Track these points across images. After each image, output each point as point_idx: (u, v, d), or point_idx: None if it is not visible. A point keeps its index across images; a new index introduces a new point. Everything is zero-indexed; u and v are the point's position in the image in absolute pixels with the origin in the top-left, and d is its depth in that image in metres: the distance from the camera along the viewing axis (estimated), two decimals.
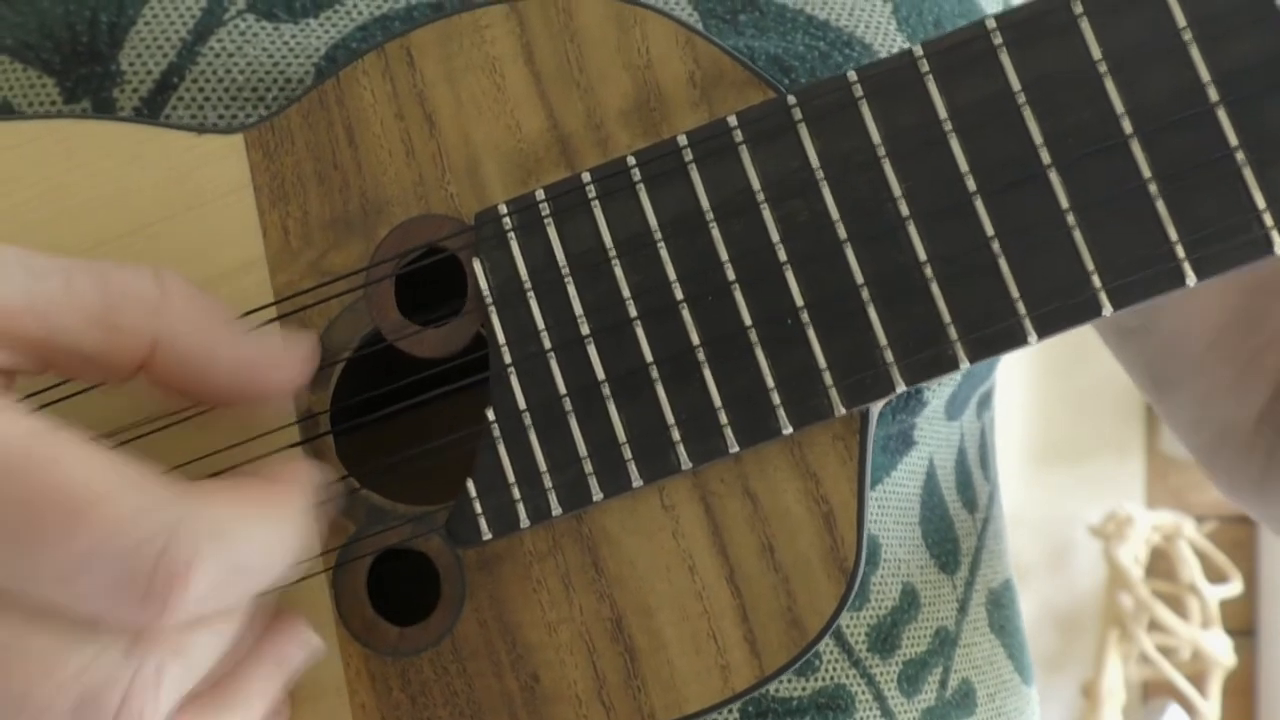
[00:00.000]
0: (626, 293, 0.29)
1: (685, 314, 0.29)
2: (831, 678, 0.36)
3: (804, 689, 0.35)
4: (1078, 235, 0.28)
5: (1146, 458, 1.52)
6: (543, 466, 0.30)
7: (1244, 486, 0.45)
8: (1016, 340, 0.28)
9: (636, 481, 0.29)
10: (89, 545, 0.23)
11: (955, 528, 0.41)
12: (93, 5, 0.35)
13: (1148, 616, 1.34)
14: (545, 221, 0.30)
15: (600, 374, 0.29)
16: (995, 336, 0.28)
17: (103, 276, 0.27)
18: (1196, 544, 1.41)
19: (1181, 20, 0.27)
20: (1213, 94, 0.27)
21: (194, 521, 0.24)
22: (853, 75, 0.29)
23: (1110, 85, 0.28)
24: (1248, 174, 0.27)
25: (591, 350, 0.30)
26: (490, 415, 0.30)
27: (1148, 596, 1.33)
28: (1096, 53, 0.28)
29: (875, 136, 0.29)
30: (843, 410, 0.29)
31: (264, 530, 0.26)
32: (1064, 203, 0.28)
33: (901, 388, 0.28)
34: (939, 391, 0.40)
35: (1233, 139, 0.27)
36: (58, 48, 0.35)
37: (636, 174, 0.30)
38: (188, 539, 0.23)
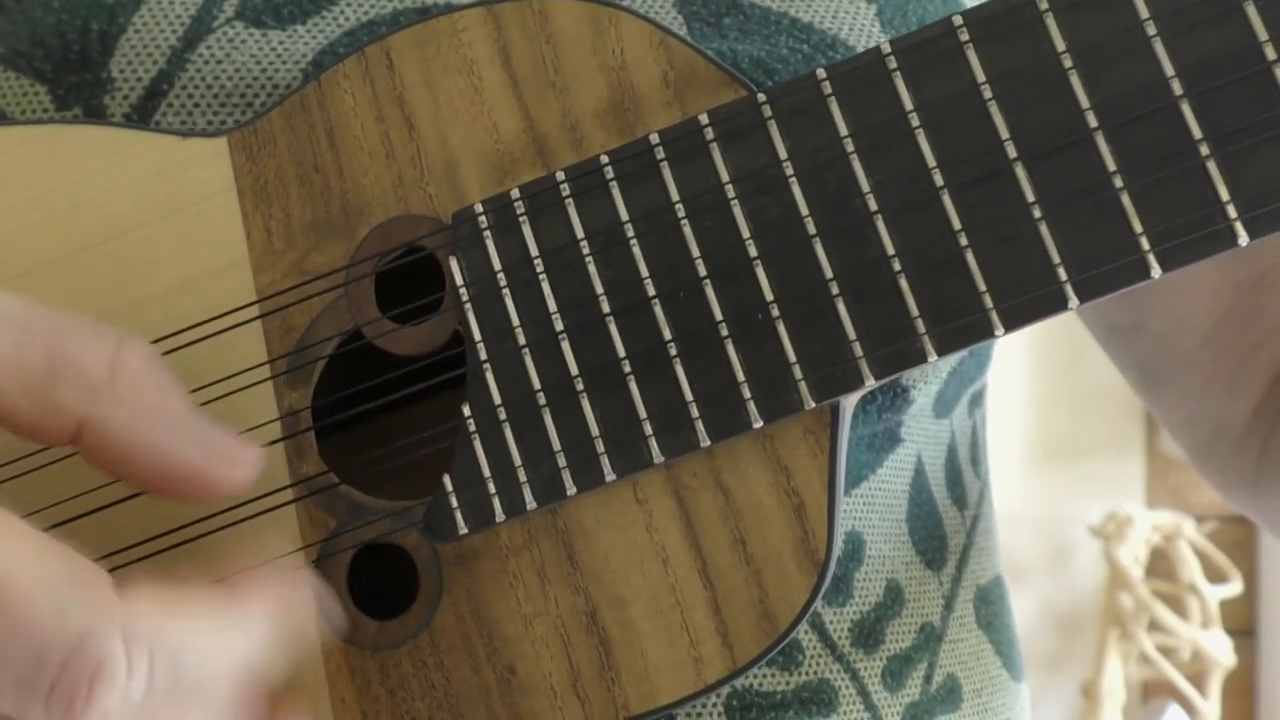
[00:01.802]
0: (600, 289, 0.30)
1: (657, 310, 0.30)
2: (815, 672, 0.36)
3: (788, 683, 0.35)
4: (1044, 229, 0.28)
5: (1146, 458, 1.52)
6: (517, 461, 0.30)
7: (1237, 484, 0.45)
8: (984, 332, 0.28)
9: (610, 475, 0.30)
10: (3, 644, 0.22)
11: (943, 525, 0.41)
12: (84, 14, 0.36)
13: (1148, 616, 1.33)
14: (520, 220, 0.31)
15: (574, 369, 0.30)
16: (963, 329, 0.28)
17: (56, 342, 0.26)
18: (1196, 544, 1.41)
19: (1145, 14, 0.28)
20: (1177, 87, 0.28)
21: (119, 626, 0.23)
22: (821, 73, 0.29)
23: (1075, 80, 0.28)
24: (1211, 167, 0.27)
25: (565, 346, 0.30)
26: (466, 411, 0.30)
27: (1148, 596, 1.33)
28: (1061, 48, 0.28)
29: (844, 133, 0.29)
30: (813, 404, 0.29)
31: (207, 642, 0.24)
32: (1030, 196, 0.28)
33: (871, 381, 0.29)
34: (925, 389, 0.40)
35: (1197, 132, 0.27)
36: (49, 56, 0.36)
37: (609, 172, 0.30)
38: (107, 645, 0.22)
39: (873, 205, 0.29)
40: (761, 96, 0.30)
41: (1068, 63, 0.28)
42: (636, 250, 0.30)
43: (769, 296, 0.29)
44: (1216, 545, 1.43)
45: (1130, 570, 1.35)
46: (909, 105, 0.29)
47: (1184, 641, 1.35)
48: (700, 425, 0.29)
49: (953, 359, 0.41)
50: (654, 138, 0.30)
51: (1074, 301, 0.28)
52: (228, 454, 0.27)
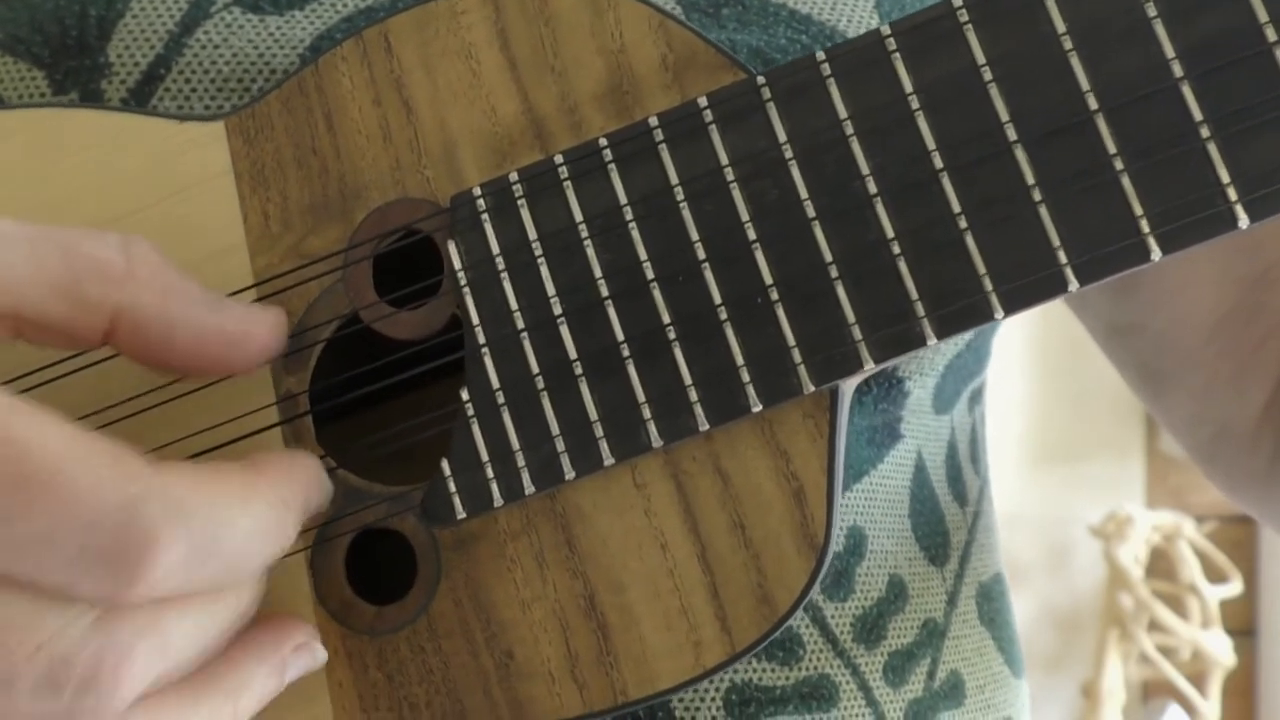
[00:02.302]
0: (598, 273, 0.30)
1: (656, 293, 0.30)
2: (816, 667, 0.36)
3: (788, 678, 0.35)
4: (1044, 211, 0.28)
5: (1146, 458, 1.52)
6: (516, 445, 0.30)
7: (1245, 483, 0.45)
8: (983, 315, 0.28)
9: (608, 460, 0.29)
10: (53, 517, 0.23)
11: (945, 521, 0.41)
12: None
13: (1148, 616, 1.33)
14: (519, 203, 0.30)
15: (572, 353, 0.30)
16: (962, 312, 0.28)
17: (68, 246, 0.27)
18: (1196, 544, 1.41)
19: None
20: (1177, 69, 0.27)
21: (160, 496, 0.24)
22: (821, 55, 0.29)
23: (1075, 62, 0.28)
24: (1212, 149, 0.27)
25: (564, 330, 0.30)
26: (464, 395, 0.30)
27: (1148, 596, 1.33)
28: (1062, 29, 0.28)
29: (843, 115, 0.29)
30: (812, 388, 0.29)
31: (236, 513, 0.25)
32: (1030, 179, 0.28)
33: (870, 364, 0.29)
34: (921, 381, 0.40)
35: (1197, 114, 0.27)
36: (47, 41, 0.36)
37: (608, 155, 0.30)
38: (152, 513, 0.23)
39: (872, 188, 0.29)
40: (761, 79, 0.29)
41: (1068, 44, 0.28)
42: (635, 233, 0.30)
43: (768, 280, 0.29)
44: (1216, 545, 1.43)
45: (1130, 570, 1.35)
46: (909, 87, 0.29)
47: (1184, 641, 1.35)
48: (699, 409, 0.29)
49: (949, 352, 0.41)
50: (653, 120, 0.30)
51: (1074, 284, 0.28)
52: (255, 317, 0.29)
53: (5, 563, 0.23)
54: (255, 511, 0.26)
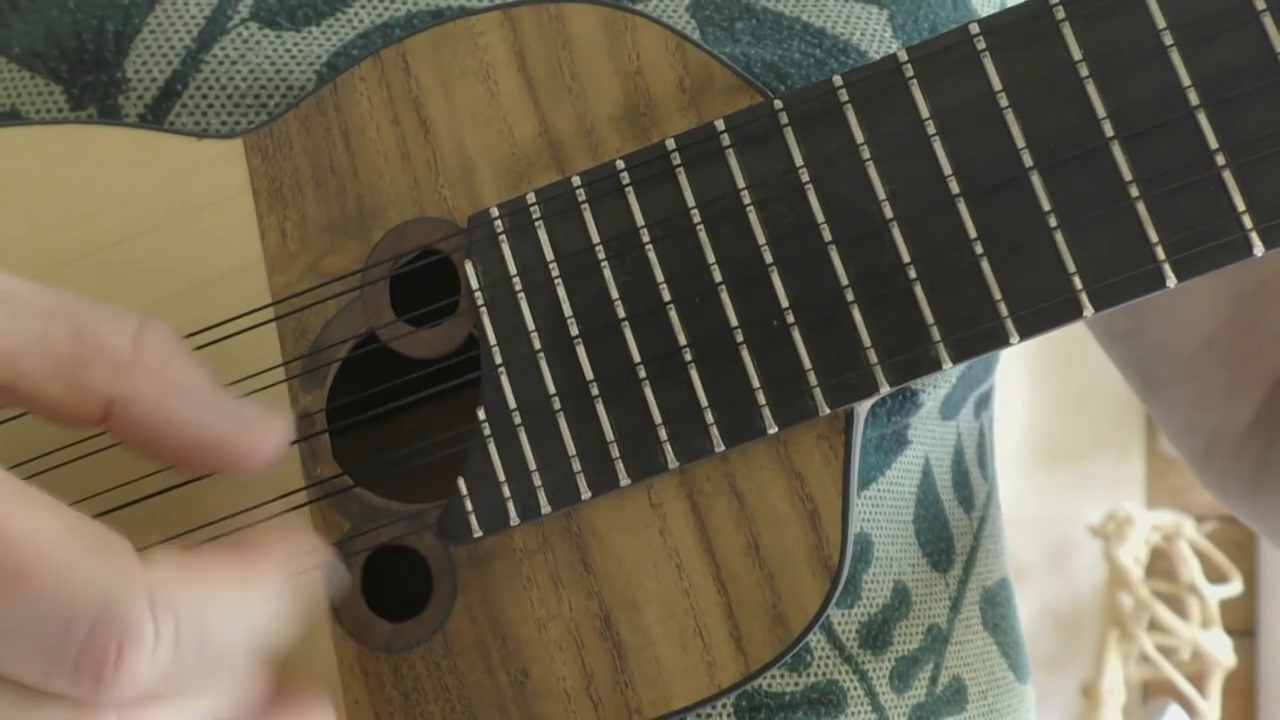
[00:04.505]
0: (615, 294, 0.30)
1: (672, 315, 0.30)
2: (824, 674, 0.36)
3: (796, 684, 0.36)
4: (1059, 237, 0.28)
5: (1146, 458, 1.52)
6: (532, 465, 0.30)
7: (1235, 490, 0.45)
8: (999, 341, 0.28)
9: (624, 480, 0.30)
10: (30, 611, 0.22)
11: (950, 527, 0.41)
12: (99, 14, 0.36)
13: (1148, 616, 1.34)
14: (536, 224, 0.31)
15: (589, 374, 0.30)
16: (978, 337, 0.29)
17: (80, 326, 0.26)
18: (1196, 544, 1.42)
19: (1162, 24, 0.28)
20: (1193, 97, 0.28)
21: (143, 592, 0.23)
22: (838, 80, 0.29)
23: (1092, 89, 0.28)
24: (1228, 177, 0.27)
25: (580, 351, 0.30)
26: (481, 415, 0.30)
27: (1148, 596, 1.34)
28: (1078, 56, 0.28)
29: (860, 140, 0.29)
30: (827, 410, 0.29)
31: (228, 606, 0.24)
32: (1046, 205, 0.28)
33: (885, 388, 0.29)
34: (934, 393, 0.40)
35: (1213, 142, 0.28)
36: (64, 56, 0.36)
37: (625, 177, 0.30)
38: (132, 610, 0.22)
39: (888, 212, 0.29)
40: (778, 103, 0.30)
41: (1084, 71, 0.28)
42: (652, 256, 0.30)
43: (784, 303, 0.29)
44: (1216, 545, 1.44)
45: (1130, 570, 1.35)
46: (925, 113, 0.29)
47: (1184, 641, 1.35)
48: (715, 430, 0.29)
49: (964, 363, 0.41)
50: (670, 143, 0.30)
51: (1089, 310, 0.28)
52: (257, 423, 0.28)
53: None
54: (250, 603, 0.25)
